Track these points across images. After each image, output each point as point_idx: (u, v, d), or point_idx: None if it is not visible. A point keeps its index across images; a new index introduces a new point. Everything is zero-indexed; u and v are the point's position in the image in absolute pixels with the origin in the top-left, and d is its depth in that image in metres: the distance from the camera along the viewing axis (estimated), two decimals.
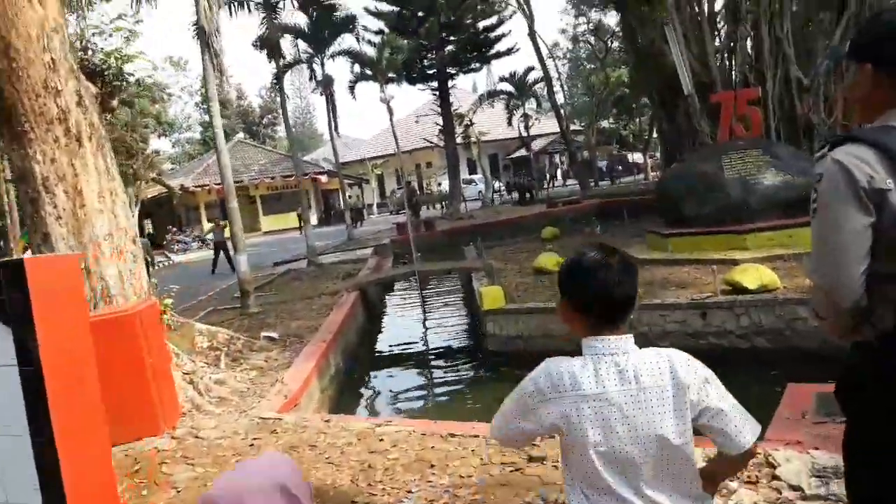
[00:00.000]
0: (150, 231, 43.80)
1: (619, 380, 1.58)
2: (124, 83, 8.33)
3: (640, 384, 1.58)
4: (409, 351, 11.53)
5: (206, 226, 40.14)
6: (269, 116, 70.06)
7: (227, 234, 20.39)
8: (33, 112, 6.41)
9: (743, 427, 1.61)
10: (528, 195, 33.56)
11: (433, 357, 10.77)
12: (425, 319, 12.87)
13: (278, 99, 71.64)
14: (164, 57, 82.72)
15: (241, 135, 57.14)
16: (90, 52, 7.41)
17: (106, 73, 7.36)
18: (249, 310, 10.70)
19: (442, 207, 37.21)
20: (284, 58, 20.40)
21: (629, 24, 15.44)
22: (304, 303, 12.02)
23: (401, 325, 13.53)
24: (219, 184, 41.32)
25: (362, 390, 9.67)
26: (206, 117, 71.00)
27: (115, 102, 7.33)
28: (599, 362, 1.61)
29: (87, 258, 6.59)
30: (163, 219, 43.36)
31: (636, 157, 56.07)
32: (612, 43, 42.38)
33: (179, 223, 42.69)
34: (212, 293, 16.10)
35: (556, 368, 1.64)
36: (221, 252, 19.93)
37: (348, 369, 9.54)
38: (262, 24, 17.93)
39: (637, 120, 56.62)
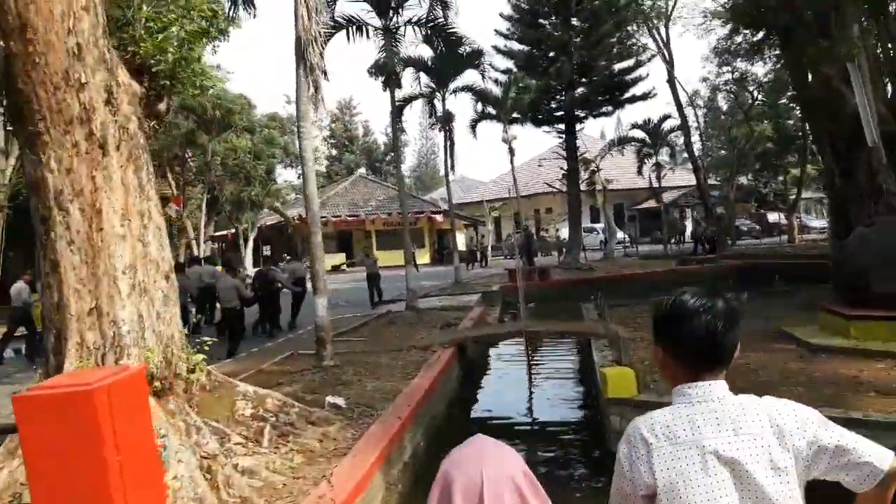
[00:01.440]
0: (267, 254, 44.36)
1: (716, 427, 1.50)
2: (180, 85, 7.06)
3: (737, 431, 1.49)
4: (510, 426, 9.52)
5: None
6: (393, 154, 70.67)
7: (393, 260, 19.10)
8: (50, 109, 5.07)
9: (873, 452, 1.46)
10: (705, 246, 30.53)
11: (539, 444, 8.68)
12: (531, 390, 10.81)
13: (404, 136, 72.27)
14: None
15: (362, 170, 57.55)
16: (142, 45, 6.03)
17: (155, 69, 5.96)
18: (324, 362, 9.09)
19: (559, 255, 35.00)
20: (401, 86, 19.26)
21: (797, 62, 12.98)
22: (391, 357, 10.31)
23: (503, 390, 11.51)
24: (336, 216, 41.60)
25: None
26: (334, 151, 72.91)
27: (163, 106, 5.87)
28: (694, 409, 1.53)
29: (100, 295, 5.12)
30: (280, 246, 43.74)
31: (775, 217, 51.53)
32: (758, 94, 39.02)
33: (295, 252, 42.84)
34: (301, 332, 14.80)
35: (646, 422, 1.59)
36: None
37: (430, 452, 7.65)
38: (380, 50, 16.86)
39: (781, 178, 52.20)
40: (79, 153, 5.17)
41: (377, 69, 16.72)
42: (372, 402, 7.41)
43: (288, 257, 38.11)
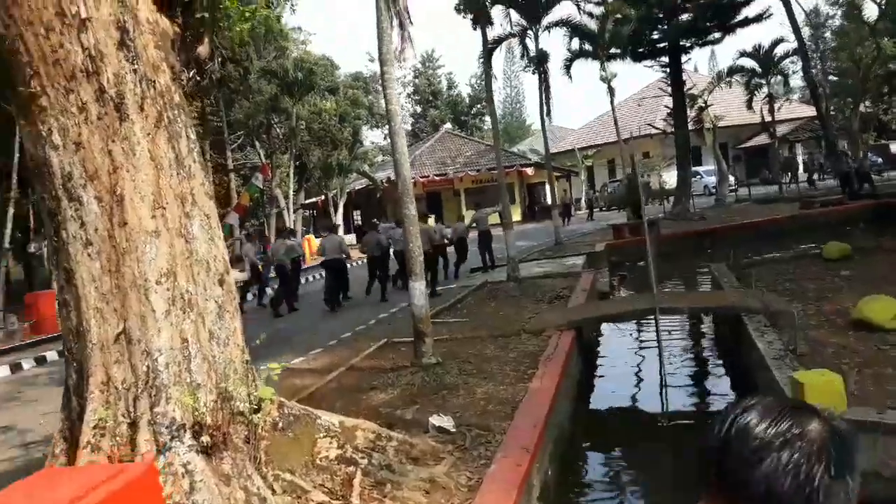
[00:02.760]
0: (359, 223, 43.81)
1: None
2: (224, 18, 5.70)
3: None
4: (641, 426, 7.90)
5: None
6: (479, 106, 68.40)
7: (491, 220, 18.04)
8: (43, 59, 3.70)
9: None
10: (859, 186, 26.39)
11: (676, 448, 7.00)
12: (664, 381, 9.03)
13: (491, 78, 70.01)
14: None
15: (448, 125, 55.78)
16: None
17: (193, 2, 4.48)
18: (423, 359, 7.65)
19: (662, 205, 32.41)
20: (492, 23, 17.37)
21: None
22: (499, 345, 8.79)
23: (626, 376, 9.80)
24: (425, 176, 40.25)
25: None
26: (418, 108, 71.36)
27: (204, 49, 4.40)
28: None
29: (128, 315, 3.79)
30: (371, 211, 42.96)
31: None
32: (883, 3, 34.40)
33: (385, 216, 42.00)
34: (394, 310, 13.54)
35: None
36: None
37: (561, 482, 6.14)
38: None
39: None
40: (88, 119, 3.81)
41: (465, 4, 14.89)
42: (486, 420, 5.90)
43: (377, 221, 37.13)
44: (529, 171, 42.46)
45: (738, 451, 0.92)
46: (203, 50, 4.70)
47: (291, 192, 33.76)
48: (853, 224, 23.99)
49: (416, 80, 70.82)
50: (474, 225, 18.45)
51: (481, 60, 23.23)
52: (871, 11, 36.18)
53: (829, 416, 0.96)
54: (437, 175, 39.56)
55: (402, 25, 7.94)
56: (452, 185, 40.36)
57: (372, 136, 65.08)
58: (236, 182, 33.22)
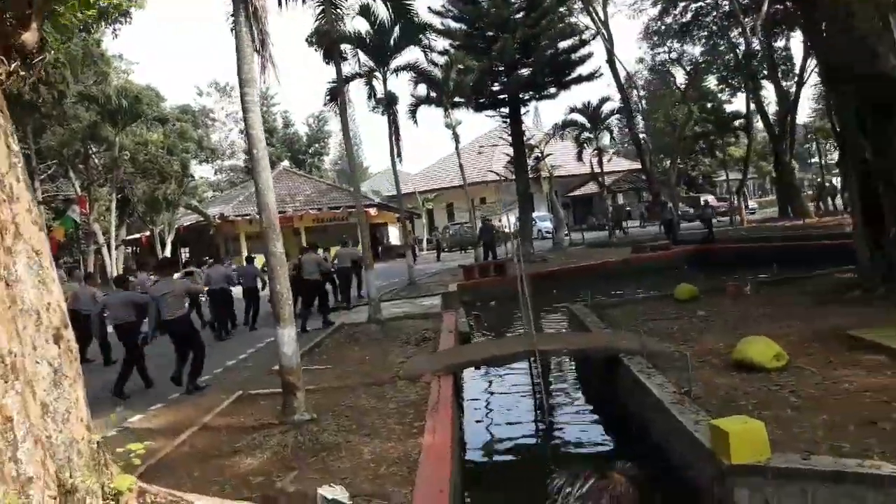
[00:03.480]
0: (187, 258, 40.84)
1: None
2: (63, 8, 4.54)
3: None
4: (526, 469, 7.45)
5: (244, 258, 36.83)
6: (317, 145, 67.39)
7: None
8: None
9: None
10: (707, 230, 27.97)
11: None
12: (544, 426, 8.66)
13: (326, 127, 68.94)
14: (210, 82, 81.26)
15: (285, 163, 54.10)
16: None
17: None
18: (296, 416, 6.66)
19: (504, 247, 33.19)
20: (346, 58, 16.81)
21: (818, 23, 11.40)
22: (375, 395, 8.01)
23: (500, 423, 9.36)
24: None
25: None
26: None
27: (31, 36, 3.38)
28: None
29: None
30: (200, 249, 40.16)
31: (707, 199, 51.66)
32: (694, 74, 38.35)
33: (217, 254, 39.42)
34: (249, 352, 12.29)
35: None
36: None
37: None
38: (319, 16, 14.38)
39: (707, 160, 52.17)
40: None
41: (318, 39, 14.18)
42: (382, 486, 5.11)
43: (210, 260, 34.66)
44: (373, 211, 42.03)
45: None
46: (29, 38, 3.64)
47: (113, 227, 30.64)
48: (678, 266, 25.85)
49: None
50: (335, 262, 17.57)
51: (328, 98, 22.62)
52: (681, 78, 40.17)
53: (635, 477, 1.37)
54: (258, 216, 37.85)
55: (263, 44, 7.11)
56: (292, 223, 38.83)
57: (201, 171, 61.53)
58: (47, 216, 29.61)
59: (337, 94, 21.42)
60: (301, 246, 20.20)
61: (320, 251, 16.37)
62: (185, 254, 42.22)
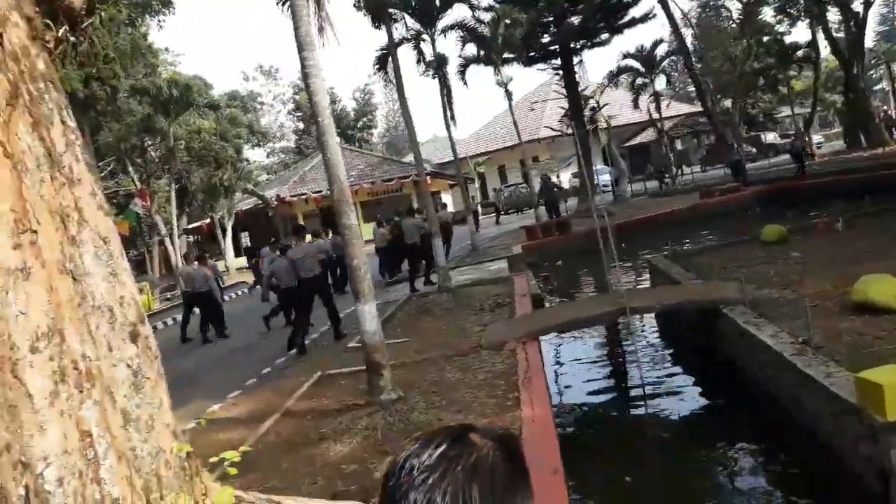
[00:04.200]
0: (248, 244, 41.34)
1: None
2: None
3: None
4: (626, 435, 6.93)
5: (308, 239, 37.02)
6: (365, 119, 67.10)
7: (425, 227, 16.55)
8: None
9: None
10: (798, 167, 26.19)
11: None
12: (645, 398, 8.09)
13: (372, 100, 68.54)
14: (255, 66, 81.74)
15: (336, 139, 53.88)
16: None
17: None
18: (383, 395, 6.31)
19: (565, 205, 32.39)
20: (396, 20, 16.26)
21: None
22: (458, 366, 7.60)
23: (587, 386, 8.85)
24: (317, 192, 38.38)
25: None
26: (300, 125, 69.01)
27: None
28: None
29: None
30: (260, 232, 40.56)
31: (771, 137, 49.30)
32: (753, 3, 36.15)
33: (277, 237, 39.75)
34: (322, 329, 12.11)
35: None
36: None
37: None
38: None
39: (768, 97, 49.64)
40: None
41: (365, 1, 13.61)
42: None
43: (273, 239, 34.90)
44: (427, 179, 41.57)
45: (404, 477, 0.93)
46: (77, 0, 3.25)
47: (174, 217, 31.06)
48: (751, 209, 24.66)
49: (297, 97, 68.58)
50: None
51: (376, 67, 22.10)
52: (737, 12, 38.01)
53: (501, 436, 0.96)
54: (329, 190, 37.69)
55: (319, 3, 6.63)
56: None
57: (253, 156, 62.09)
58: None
59: (385, 61, 20.95)
60: (396, 210, 20.44)
61: (417, 216, 16.10)
62: (245, 238, 42.75)
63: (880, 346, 5.59)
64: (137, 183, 32.16)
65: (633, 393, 8.12)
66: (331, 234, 17.36)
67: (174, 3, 32.83)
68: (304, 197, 37.39)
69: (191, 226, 43.16)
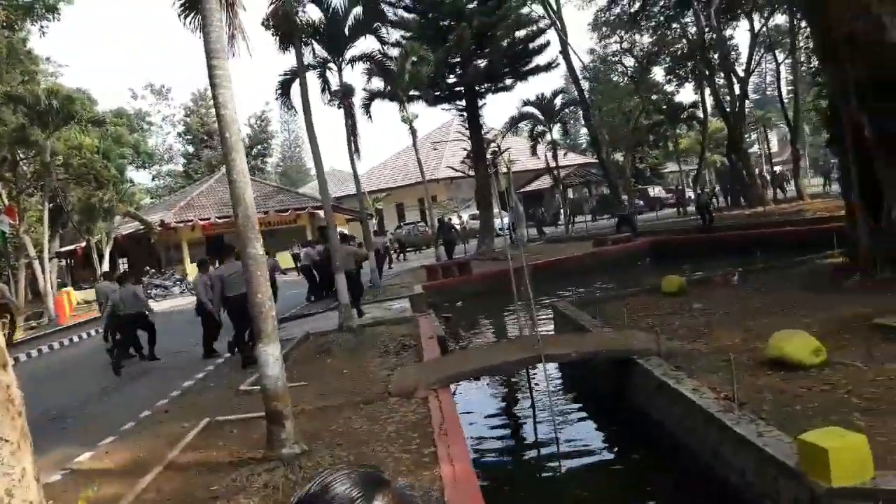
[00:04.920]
0: (124, 270, 38.66)
1: None
2: None
3: None
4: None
5: (190, 268, 35.02)
6: (259, 147, 65.28)
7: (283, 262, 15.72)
8: None
9: None
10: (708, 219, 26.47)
11: None
12: (557, 448, 7.78)
13: (269, 128, 66.92)
14: (145, 84, 77.96)
15: None
16: None
17: None
18: (284, 449, 5.60)
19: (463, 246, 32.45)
20: (307, 43, 15.70)
21: None
22: (366, 416, 7.01)
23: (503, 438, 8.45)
24: (205, 219, 36.52)
25: None
26: (190, 148, 66.15)
27: None
28: None
29: None
30: (140, 258, 38.07)
31: (655, 191, 51.96)
32: (647, 63, 38.25)
33: (158, 264, 37.41)
34: (209, 370, 11.16)
35: None
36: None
37: None
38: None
39: (653, 152, 52.48)
40: None
41: (273, 19, 12.96)
42: None
43: (151, 270, 32.69)
44: (321, 213, 40.64)
45: None
46: None
47: (46, 239, 28.50)
48: (641, 259, 25.55)
49: (188, 119, 65.92)
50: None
51: (279, 91, 21.39)
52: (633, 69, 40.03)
53: (399, 489, 1.05)
54: (219, 217, 35.82)
55: (232, 11, 6.05)
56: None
57: (137, 177, 58.75)
58: None
59: (289, 86, 20.28)
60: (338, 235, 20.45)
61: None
62: (123, 264, 40.02)
63: (803, 405, 5.53)
64: (5, 199, 29.41)
65: (544, 451, 7.79)
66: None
67: (60, 10, 30.81)
68: (190, 223, 35.48)
69: (63, 248, 39.92)
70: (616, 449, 7.60)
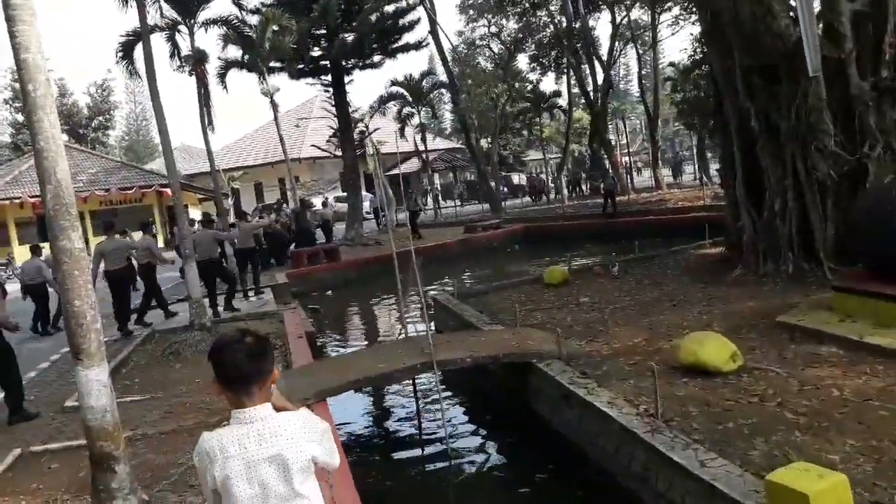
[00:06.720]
0: None
1: (258, 441, 1.93)
2: None
3: (273, 443, 1.93)
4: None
5: (18, 250, 30.96)
6: (101, 119, 59.53)
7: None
8: None
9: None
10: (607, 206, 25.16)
11: None
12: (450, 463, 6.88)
13: (112, 97, 61.17)
14: None
15: (64, 137, 46.84)
16: None
17: None
18: (115, 502, 4.24)
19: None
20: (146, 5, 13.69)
21: None
22: None
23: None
24: (35, 196, 32.40)
25: None
26: (19, 117, 59.06)
27: None
28: (242, 429, 1.95)
29: None
30: None
31: (517, 178, 52.75)
32: (514, 49, 38.30)
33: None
34: (31, 376, 9.20)
35: (207, 439, 1.98)
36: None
37: None
38: None
39: (517, 140, 53.30)
40: None
41: None
42: None
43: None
44: (170, 191, 37.43)
45: (215, 349, 2.05)
46: None
47: None
48: (510, 244, 25.39)
49: (16, 84, 58.81)
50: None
51: (120, 55, 18.98)
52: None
53: (256, 336, 2.12)
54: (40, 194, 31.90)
55: None
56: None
57: None
58: None
59: (132, 49, 18.01)
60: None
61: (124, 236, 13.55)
62: None
63: (735, 422, 4.93)
64: None
65: (434, 466, 6.86)
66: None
67: None
68: (18, 201, 31.44)
69: None
70: (520, 465, 6.78)
